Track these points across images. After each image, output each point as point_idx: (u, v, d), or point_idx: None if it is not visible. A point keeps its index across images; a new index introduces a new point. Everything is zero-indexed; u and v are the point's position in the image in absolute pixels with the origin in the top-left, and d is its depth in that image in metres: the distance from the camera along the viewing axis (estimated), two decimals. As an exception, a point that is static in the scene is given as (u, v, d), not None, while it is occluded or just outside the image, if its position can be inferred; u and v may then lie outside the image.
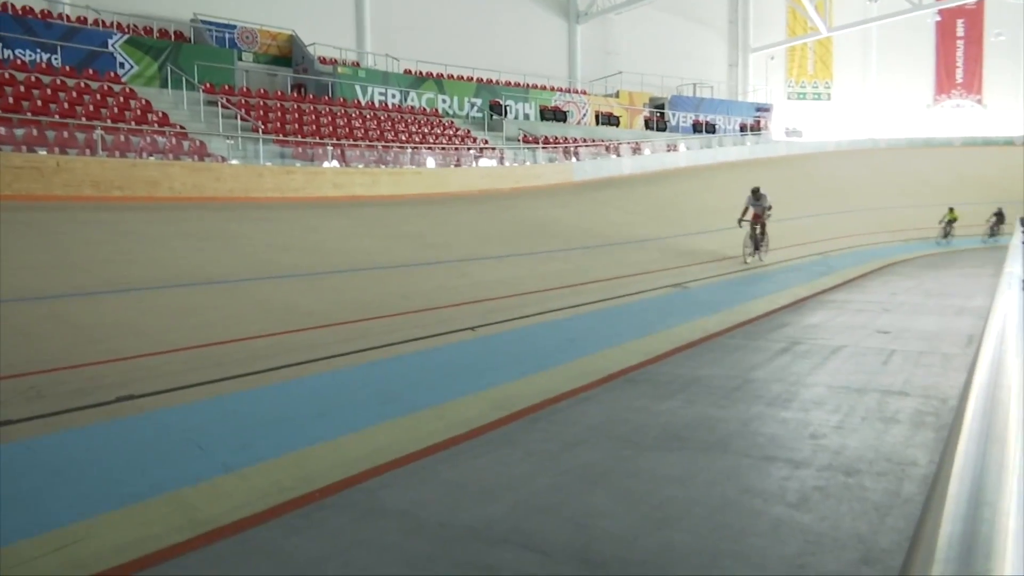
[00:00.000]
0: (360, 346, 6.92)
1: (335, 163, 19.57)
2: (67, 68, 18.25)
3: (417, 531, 3.53)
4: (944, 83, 43.44)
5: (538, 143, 26.68)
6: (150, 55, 20.30)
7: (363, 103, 24.40)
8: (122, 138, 16.03)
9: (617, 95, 34.34)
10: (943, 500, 0.99)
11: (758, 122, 38.34)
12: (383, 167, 20.28)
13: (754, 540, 3.36)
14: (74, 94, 17.14)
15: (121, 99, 17.90)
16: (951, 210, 24.59)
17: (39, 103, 16.04)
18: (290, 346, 6.94)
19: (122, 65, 19.75)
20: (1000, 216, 25.58)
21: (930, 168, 33.39)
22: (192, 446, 4.44)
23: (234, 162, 17.42)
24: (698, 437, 4.94)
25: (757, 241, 15.30)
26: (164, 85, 20.21)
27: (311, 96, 23.20)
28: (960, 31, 43.08)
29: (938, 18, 40.34)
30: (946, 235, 24.11)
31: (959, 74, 43.20)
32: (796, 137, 38.90)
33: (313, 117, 21.61)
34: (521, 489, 4.03)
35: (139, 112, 17.61)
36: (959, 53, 43.21)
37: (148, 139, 16.46)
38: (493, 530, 3.53)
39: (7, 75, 16.51)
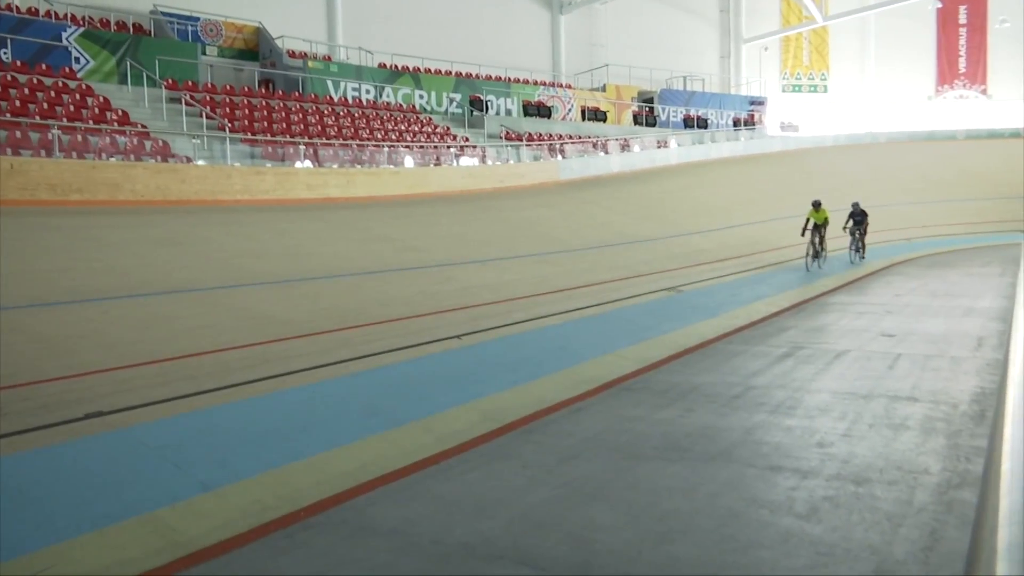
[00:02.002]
0: (340, 357, 6.93)
1: (308, 163, 19.53)
2: (18, 63, 18.08)
3: (409, 549, 3.56)
4: (946, 73, 43.99)
5: (521, 140, 26.76)
6: (107, 49, 20.15)
7: (336, 99, 24.36)
8: (79, 138, 15.91)
9: (604, 89, 34.49)
10: (997, 505, 1.04)
11: (752, 116, 38.64)
12: (358, 167, 20.26)
13: (763, 553, 3.42)
14: (26, 91, 16.99)
15: (77, 96, 17.77)
16: (816, 208, 16.36)
17: (-11, 101, 15.90)
18: (266, 357, 6.94)
19: (77, 60, 19.60)
20: (858, 217, 18.00)
21: (932, 163, 33.81)
22: (167, 464, 4.43)
23: (200, 163, 17.34)
24: (699, 447, 5.00)
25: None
26: (123, 81, 20.08)
27: (280, 92, 23.14)
28: (963, 18, 43.62)
29: (939, 5, 40.76)
30: (816, 255, 16.19)
31: (962, 63, 43.76)
32: (792, 132, 39.22)
33: (283, 114, 21.55)
34: (517, 504, 4.07)
35: (97, 110, 17.49)
36: (962, 41, 43.77)
37: (108, 139, 16.35)
38: (489, 547, 3.57)
39: (-46, 71, 16.36)
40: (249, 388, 5.88)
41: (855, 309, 11.64)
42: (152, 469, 4.39)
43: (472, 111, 27.76)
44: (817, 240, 16.24)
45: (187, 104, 19.51)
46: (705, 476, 4.44)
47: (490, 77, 30.29)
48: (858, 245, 18.17)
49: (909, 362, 7.59)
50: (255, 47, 25.10)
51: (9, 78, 17.17)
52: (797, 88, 44.89)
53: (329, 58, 27.06)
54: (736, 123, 37.42)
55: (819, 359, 7.85)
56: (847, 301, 12.57)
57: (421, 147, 22.85)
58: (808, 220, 16.36)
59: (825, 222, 16.47)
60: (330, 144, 20.65)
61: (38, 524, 3.68)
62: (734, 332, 9.58)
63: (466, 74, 29.51)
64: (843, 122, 41.50)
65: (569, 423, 5.65)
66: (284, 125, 21.01)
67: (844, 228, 17.86)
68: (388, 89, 26.25)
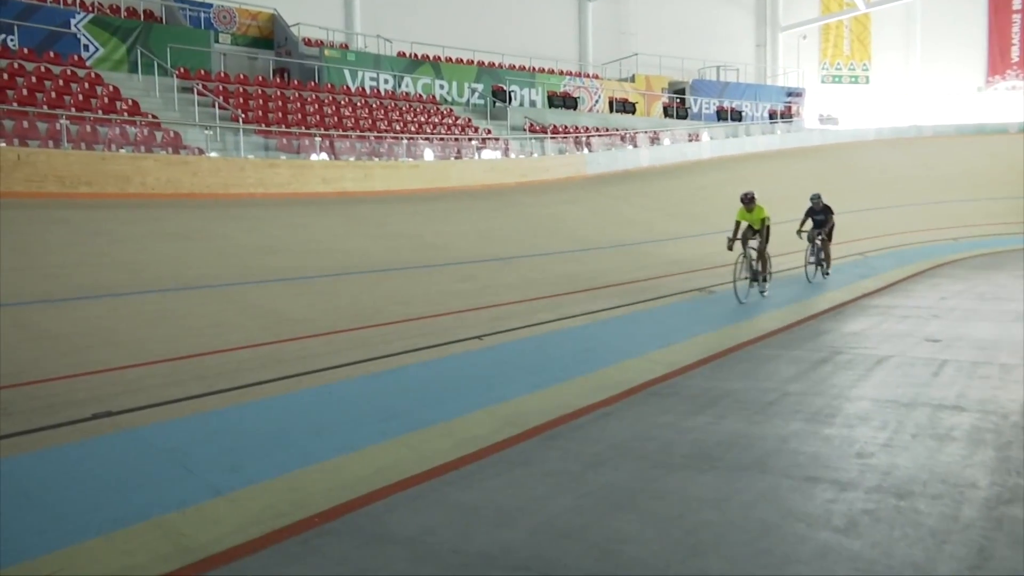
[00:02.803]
0: (357, 357, 6.97)
1: (323, 156, 19.65)
2: (25, 51, 18.34)
3: (427, 558, 3.57)
4: (998, 63, 43.35)
5: (546, 133, 26.74)
6: (117, 36, 20.39)
7: (353, 89, 24.48)
8: (88, 128, 16.12)
9: (633, 79, 34.40)
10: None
11: (789, 108, 38.37)
12: (376, 160, 20.36)
13: (799, 568, 3.39)
14: (34, 79, 17.24)
15: (86, 85, 17.99)
16: (747, 205, 12.21)
17: (-4, 90, 16.14)
18: (280, 357, 6.99)
19: (87, 47, 19.85)
20: (819, 216, 14.61)
21: (981, 158, 33.35)
22: (177, 467, 4.48)
23: (212, 155, 17.50)
24: (732, 456, 4.98)
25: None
26: (133, 70, 20.32)
27: (295, 82, 23.30)
28: (1017, 3, 42.87)
29: (991, -12, 40.27)
30: (756, 277, 12.09)
31: (1015, 52, 43.07)
32: (831, 125, 38.90)
33: (298, 105, 21.70)
34: (539, 513, 4.07)
35: (106, 100, 17.70)
36: (1015, 28, 43.07)
37: (117, 130, 16.56)
38: (511, 557, 3.57)
39: (-39, 60, 16.63)
40: (262, 389, 5.92)
41: (898, 312, 11.52)
42: (161, 472, 4.43)
43: (494, 102, 27.79)
44: (752, 255, 11.96)
45: (199, 94, 19.70)
46: (738, 487, 4.41)
47: (513, 67, 30.31)
48: (819, 256, 14.23)
49: (955, 369, 7.50)
50: (270, 35, 25.29)
51: (16, 66, 17.42)
52: (837, 79, 44.50)
53: (346, 46, 27.21)
54: (772, 116, 37.18)
55: (859, 365, 7.78)
56: (889, 304, 12.45)
57: (441, 139, 22.91)
58: (737, 224, 12.07)
59: (763, 225, 12.07)
60: (347, 136, 20.77)
61: (43, 528, 3.73)
62: (769, 335, 9.52)
63: (488, 63, 29.55)
64: (886, 115, 41.07)
65: (595, 429, 5.64)
66: (299, 116, 21.15)
67: (799, 232, 14.09)
68: (407, 79, 26.35)
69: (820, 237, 14.30)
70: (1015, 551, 3.48)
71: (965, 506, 4.01)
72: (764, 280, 12.23)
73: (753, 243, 12.12)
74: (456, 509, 4.15)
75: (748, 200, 12.13)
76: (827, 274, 14.51)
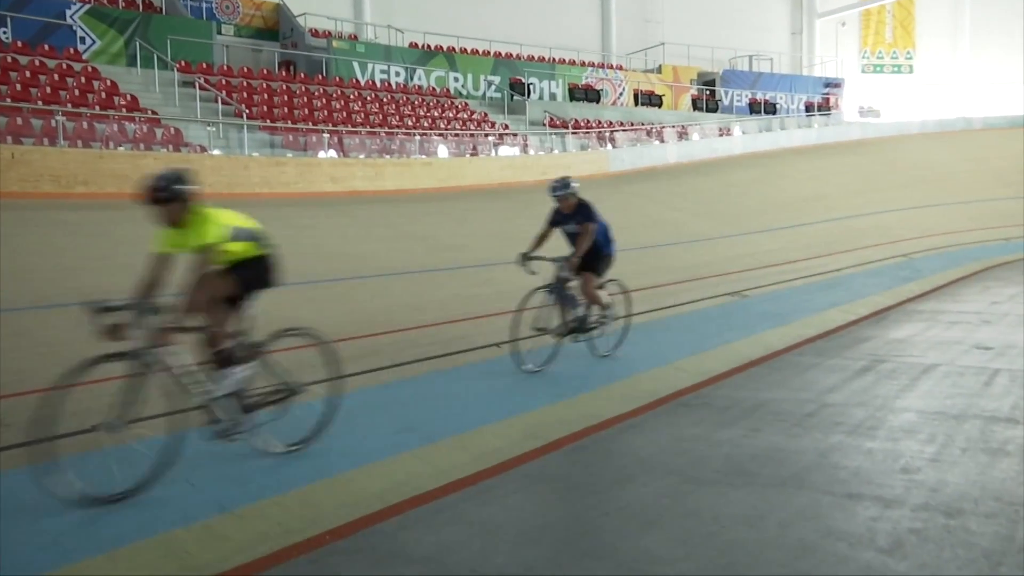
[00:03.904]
0: (368, 366, 7.00)
1: (332, 153, 19.76)
2: (19, 43, 18.57)
3: (445, 579, 3.59)
4: (1052, 51, 42.99)
5: (567, 128, 26.77)
6: (115, 28, 20.60)
7: (362, 83, 24.62)
8: (85, 125, 16.29)
9: (659, 70, 34.38)
10: None
11: (827, 100, 38.22)
12: (387, 157, 20.45)
13: (841, 591, 3.39)
14: (28, 73, 17.44)
15: (83, 79, 18.20)
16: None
17: (-10, 85, 16.34)
18: (286, 365, 7.02)
19: (83, 40, 20.07)
20: (570, 227, 7.96)
21: (1036, 152, 33.06)
22: (181, 482, 4.52)
23: (215, 152, 17.65)
24: (767, 471, 4.96)
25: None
26: (132, 63, 20.51)
27: (302, 75, 23.45)
28: (1074, -14, 42.58)
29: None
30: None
31: (1070, 39, 42.72)
32: (873, 117, 38.73)
33: (305, 100, 21.84)
34: (564, 531, 4.08)
35: (104, 95, 17.89)
36: (1070, 15, 42.72)
37: (115, 126, 16.73)
38: (533, 578, 3.59)
39: (-47, 54, 16.85)
40: (268, 400, 5.95)
41: (945, 318, 11.44)
42: (165, 487, 4.47)
43: (512, 95, 27.84)
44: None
45: (201, 88, 19.86)
46: (774, 504, 4.40)
47: (532, 58, 30.37)
48: (570, 307, 7.74)
49: (1009, 379, 7.44)
50: (275, 26, 25.47)
51: (9, 60, 17.62)
52: (879, 68, 44.26)
53: (355, 37, 27.36)
54: (809, 108, 37.03)
55: (904, 374, 7.73)
56: (936, 309, 12.36)
57: (456, 135, 22.98)
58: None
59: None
60: (356, 132, 20.87)
61: (42, 546, 3.78)
62: (806, 343, 9.48)
63: (506, 54, 29.61)
64: (931, 106, 40.80)
65: (621, 442, 5.65)
66: (306, 111, 21.29)
67: (524, 258, 7.63)
68: (420, 71, 26.46)
69: (566, 272, 7.69)
70: (1074, 573, 3.46)
71: (1021, 526, 3.98)
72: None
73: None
74: (474, 526, 4.16)
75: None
76: (589, 338, 7.98)
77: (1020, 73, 42.60)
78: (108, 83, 18.47)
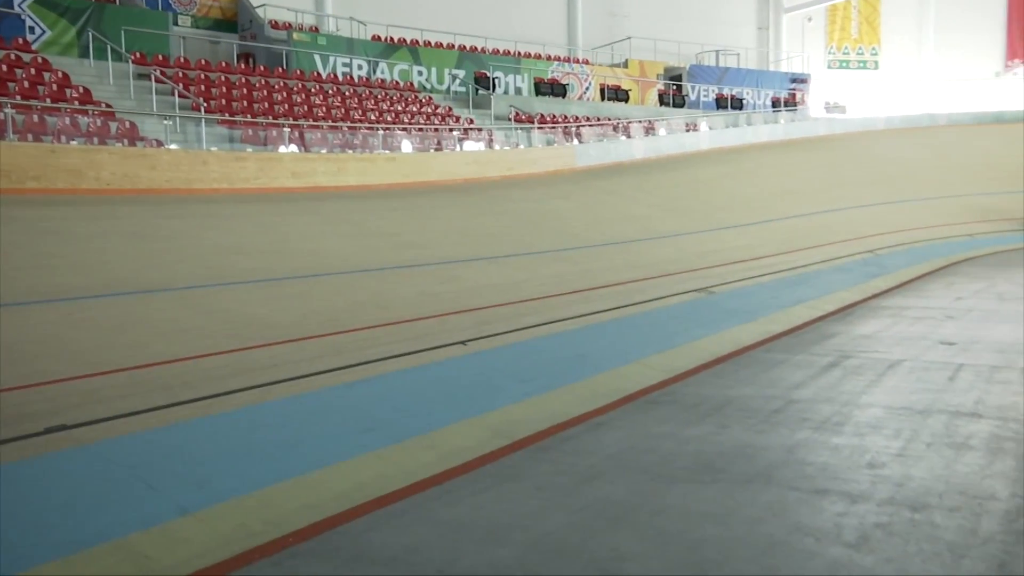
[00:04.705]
0: (332, 364, 6.97)
1: (293, 148, 19.62)
2: (-36, 34, 18.22)
3: (412, 580, 3.60)
4: (1016, 46, 43.73)
5: (533, 122, 26.79)
6: (66, 18, 20.27)
7: (324, 76, 24.45)
8: (36, 118, 16.01)
9: (626, 65, 34.53)
10: None
11: (793, 96, 38.61)
12: (350, 152, 20.33)
13: (808, 586, 3.44)
14: (-24, 66, 17.13)
15: (32, 71, 17.87)
16: None
17: (-64, 77, 16.03)
18: (249, 365, 6.99)
19: (32, 29, 19.72)
20: None
21: (1000, 148, 33.59)
22: (140, 484, 4.48)
23: (173, 147, 17.43)
24: (736, 468, 5.03)
25: None
26: (84, 54, 20.19)
27: (262, 68, 23.24)
28: (1038, -19, 43.39)
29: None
30: None
31: (1034, 35, 43.53)
32: (839, 113, 39.20)
33: (265, 93, 21.65)
34: (532, 529, 4.10)
35: (55, 87, 17.60)
36: (1035, 9, 43.52)
37: (68, 120, 16.46)
38: (502, 578, 3.60)
39: None
40: (231, 399, 5.92)
41: (910, 314, 11.64)
42: (123, 490, 4.43)
43: (477, 90, 27.82)
44: None
45: (157, 81, 19.60)
46: (742, 500, 4.46)
47: (497, 51, 30.36)
48: None
49: (973, 374, 7.59)
50: (233, 17, 25.23)
51: (-45, 51, 17.28)
52: (844, 64, 44.81)
53: (316, 29, 27.17)
54: (775, 104, 37.40)
55: (869, 370, 7.86)
56: (901, 305, 12.56)
57: (420, 130, 22.92)
58: None
59: None
60: (318, 127, 20.74)
61: (-5, 552, 3.73)
62: (773, 339, 9.60)
63: (470, 48, 29.58)
64: (897, 102, 41.39)
65: (589, 440, 5.68)
66: (266, 105, 21.11)
67: None
68: (383, 65, 26.35)
69: None
70: (1037, 565, 3.55)
71: (984, 519, 4.07)
72: None
73: None
74: (442, 526, 4.17)
75: None
76: None
77: (984, 70, 43.39)
78: (59, 75, 18.17)
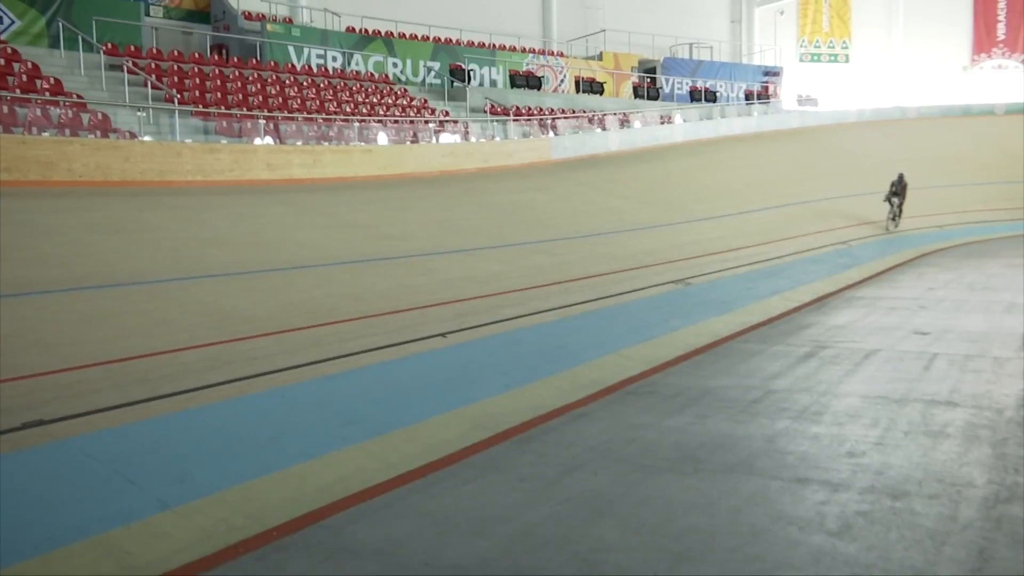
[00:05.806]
0: (312, 357, 6.93)
1: (268, 140, 19.44)
2: (-68, 24, 17.90)
3: (396, 573, 3.58)
4: (983, 40, 44.18)
5: (508, 115, 26.74)
6: (36, 8, 19.95)
7: (298, 67, 24.25)
8: (5, 110, 15.77)
9: (600, 58, 34.52)
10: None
11: (766, 88, 38.79)
12: (325, 144, 20.19)
13: (792, 574, 3.46)
14: (-57, 56, 16.84)
15: (1, 62, 17.59)
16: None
17: (-98, 68, 15.74)
18: (228, 358, 6.92)
19: (1, 20, 19.41)
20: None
21: (968, 140, 34.04)
22: (119, 479, 4.42)
23: (146, 139, 17.23)
24: (716, 457, 5.05)
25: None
26: (55, 45, 19.89)
27: (235, 59, 23.00)
28: (1003, -22, 43.87)
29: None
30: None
31: (1001, 29, 43.94)
32: (810, 106, 39.42)
33: (239, 84, 21.44)
34: (516, 521, 4.10)
35: (25, 78, 17.32)
36: (1001, 4, 43.87)
37: (38, 111, 16.22)
38: (486, 569, 3.59)
39: None
40: (210, 393, 5.87)
41: (884, 304, 11.74)
42: (102, 485, 4.38)
43: (453, 82, 27.70)
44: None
45: (129, 72, 19.34)
46: (724, 490, 4.48)
47: (473, 43, 30.26)
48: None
49: (947, 363, 7.68)
50: (206, 7, 24.96)
51: (-76, 41, 16.97)
52: (816, 57, 45.07)
53: (290, 20, 26.93)
54: (748, 96, 37.56)
55: (846, 360, 7.93)
56: (875, 295, 12.68)
57: (395, 122, 22.80)
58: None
59: None
60: (292, 118, 20.56)
61: (-28, 549, 3.67)
62: (750, 329, 9.65)
63: (446, 40, 29.42)
64: (868, 95, 41.71)
65: (570, 431, 5.69)
66: (240, 97, 20.90)
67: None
68: (357, 56, 26.17)
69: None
70: (1016, 552, 3.58)
71: (963, 506, 4.11)
72: None
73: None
74: (425, 519, 4.16)
75: None
76: None
77: (952, 63, 43.85)
78: (29, 65, 17.88)
